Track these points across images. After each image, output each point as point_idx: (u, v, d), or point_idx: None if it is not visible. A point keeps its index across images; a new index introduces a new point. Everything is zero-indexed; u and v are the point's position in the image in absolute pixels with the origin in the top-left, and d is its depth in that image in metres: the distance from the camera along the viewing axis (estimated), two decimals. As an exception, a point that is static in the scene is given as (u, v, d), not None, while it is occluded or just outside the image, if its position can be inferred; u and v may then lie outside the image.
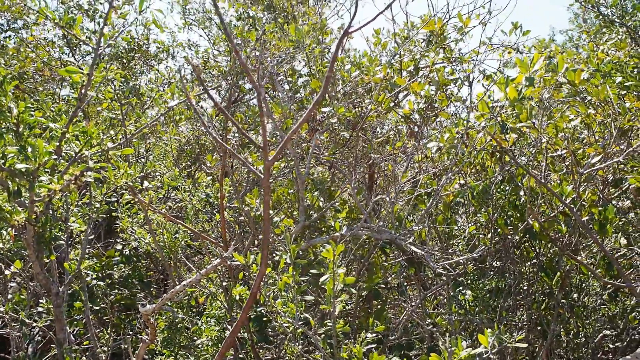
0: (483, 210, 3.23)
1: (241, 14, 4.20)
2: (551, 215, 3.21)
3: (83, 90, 2.38)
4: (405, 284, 3.92)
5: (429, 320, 3.49)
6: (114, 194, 3.02)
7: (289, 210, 3.61)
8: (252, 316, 3.18)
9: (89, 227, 2.47)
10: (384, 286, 4.17)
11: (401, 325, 3.44)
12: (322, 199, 3.94)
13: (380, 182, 4.59)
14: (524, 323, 3.23)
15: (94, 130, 2.31)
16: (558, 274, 3.17)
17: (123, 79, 4.23)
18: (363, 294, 3.98)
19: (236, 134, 4.40)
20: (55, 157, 2.12)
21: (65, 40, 4.43)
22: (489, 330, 2.33)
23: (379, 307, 4.04)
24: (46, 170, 2.19)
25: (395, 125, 3.70)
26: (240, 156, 2.05)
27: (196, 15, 5.23)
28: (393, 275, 3.95)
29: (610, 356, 3.54)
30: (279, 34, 3.24)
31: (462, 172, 3.46)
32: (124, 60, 4.29)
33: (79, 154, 2.34)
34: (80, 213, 2.42)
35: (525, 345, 2.43)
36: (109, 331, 3.10)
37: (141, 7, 2.32)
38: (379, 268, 3.61)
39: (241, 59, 1.94)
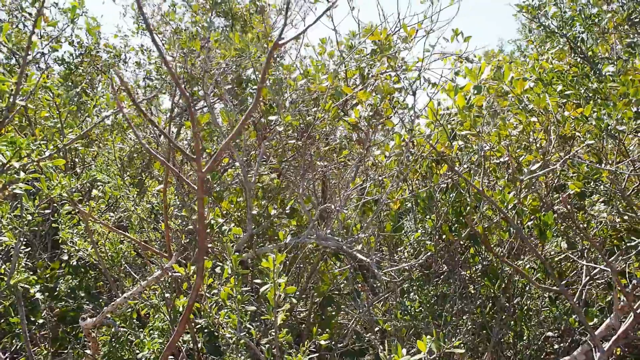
0: (428, 216, 3.28)
1: (192, 22, 4.16)
2: (494, 221, 3.29)
3: (11, 100, 2.31)
4: (358, 290, 3.95)
5: (378, 327, 3.52)
6: (55, 205, 2.93)
7: (239, 219, 3.59)
8: (201, 327, 3.14)
9: (20, 241, 2.39)
10: (337, 293, 4.18)
11: (350, 332, 3.46)
12: (275, 206, 3.92)
13: (335, 190, 4.61)
14: (469, 327, 3.30)
15: (23, 140, 2.24)
16: (499, 279, 3.25)
17: (69, 85, 4.12)
18: (316, 300, 3.98)
19: (187, 142, 4.34)
20: (-24, 169, 2.05)
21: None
22: (428, 336, 2.36)
23: (332, 313, 4.05)
24: (-31, 182, 2.10)
25: (346, 133, 3.73)
26: (171, 166, 2.03)
27: (150, 19, 5.13)
28: (345, 282, 3.97)
29: (553, 357, 3.64)
30: (226, 43, 3.23)
31: (409, 179, 3.51)
32: (71, 66, 4.18)
33: (7, 166, 2.26)
34: (10, 226, 2.34)
35: (462, 350, 2.47)
36: (48, 346, 3.00)
37: (73, 15, 2.27)
38: (327, 275, 3.62)
39: (171, 71, 1.92)
